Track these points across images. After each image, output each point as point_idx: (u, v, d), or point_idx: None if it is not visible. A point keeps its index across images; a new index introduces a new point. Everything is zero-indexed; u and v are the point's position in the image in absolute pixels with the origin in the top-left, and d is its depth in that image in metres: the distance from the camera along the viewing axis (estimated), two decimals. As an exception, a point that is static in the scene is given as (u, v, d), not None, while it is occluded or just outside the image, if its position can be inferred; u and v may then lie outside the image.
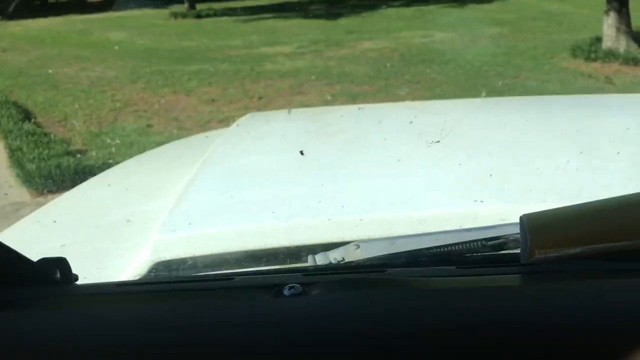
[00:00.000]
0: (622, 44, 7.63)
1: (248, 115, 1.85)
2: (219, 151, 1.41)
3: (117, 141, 5.45)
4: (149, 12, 17.80)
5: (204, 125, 5.82)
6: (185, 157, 1.64)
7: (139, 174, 1.73)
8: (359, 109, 1.80)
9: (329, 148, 1.37)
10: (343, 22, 13.38)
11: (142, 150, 5.13)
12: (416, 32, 11.39)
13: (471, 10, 14.58)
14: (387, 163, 1.23)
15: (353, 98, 6.59)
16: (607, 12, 7.74)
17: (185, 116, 6.27)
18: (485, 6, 15.13)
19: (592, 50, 7.80)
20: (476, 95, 6.43)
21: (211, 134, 2.13)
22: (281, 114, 2.02)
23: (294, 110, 1.94)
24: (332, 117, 1.72)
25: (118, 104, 6.81)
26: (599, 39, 8.05)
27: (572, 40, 8.66)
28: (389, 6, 15.94)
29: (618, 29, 7.64)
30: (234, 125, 1.73)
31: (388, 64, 8.43)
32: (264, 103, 6.60)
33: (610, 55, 7.53)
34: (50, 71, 8.77)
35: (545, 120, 1.47)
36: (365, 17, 14.11)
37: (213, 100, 6.87)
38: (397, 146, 1.32)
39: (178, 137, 5.46)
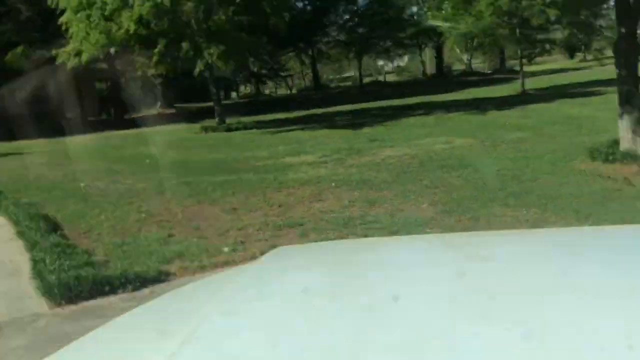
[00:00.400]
0: (638, 146, 7.67)
1: (274, 251, 1.46)
2: (205, 327, 1.00)
3: (138, 250, 5.58)
4: (180, 127, 18.67)
5: (223, 234, 5.93)
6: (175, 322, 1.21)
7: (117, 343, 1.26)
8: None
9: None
10: (366, 131, 13.81)
11: (161, 258, 5.24)
12: (436, 138, 11.65)
13: (491, 115, 14.93)
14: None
15: (371, 204, 6.67)
16: (620, 116, 7.86)
17: (206, 225, 6.41)
18: (506, 112, 15.49)
19: (610, 152, 7.84)
20: (493, 197, 6.46)
21: (225, 275, 1.66)
22: (315, 247, 1.58)
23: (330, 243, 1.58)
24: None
25: (143, 215, 7.02)
26: (617, 142, 8.11)
27: (591, 142, 8.74)
28: (410, 115, 16.45)
29: (634, 132, 7.71)
30: (254, 265, 1.36)
31: (407, 170, 8.58)
32: (282, 210, 6.72)
33: (628, 156, 7.56)
34: (82, 184, 9.15)
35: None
36: (388, 126, 14.55)
37: (234, 209, 7.03)
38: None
39: (197, 246, 5.57)
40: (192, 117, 20.83)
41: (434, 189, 7.25)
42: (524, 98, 18.91)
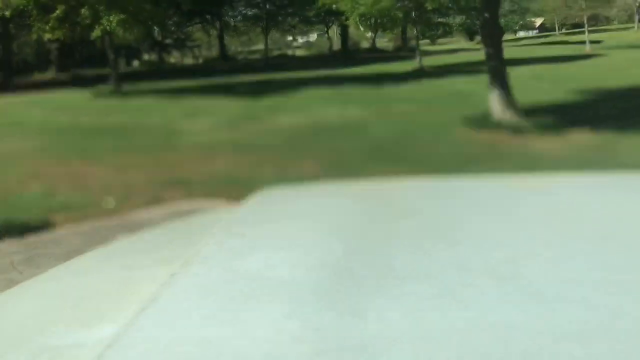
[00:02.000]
0: (508, 116, 8.38)
1: (270, 190, 1.37)
2: (210, 247, 0.96)
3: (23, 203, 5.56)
4: (74, 92, 18.02)
5: (107, 189, 5.97)
6: (167, 249, 1.18)
7: (95, 274, 1.18)
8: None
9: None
10: (265, 100, 13.98)
11: (46, 210, 5.25)
12: (332, 108, 12.04)
13: (387, 89, 15.53)
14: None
15: (258, 165, 6.91)
16: (491, 90, 8.55)
17: (91, 182, 6.41)
18: (401, 86, 16.16)
19: (483, 121, 8.51)
20: (373, 158, 6.88)
21: (210, 214, 1.61)
22: (305, 188, 1.52)
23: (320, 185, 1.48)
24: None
25: (27, 174, 6.89)
26: (490, 113, 8.81)
27: (471, 114, 9.40)
28: (311, 87, 16.78)
29: (502, 104, 8.42)
30: (244, 202, 1.28)
31: (298, 136, 8.88)
32: (170, 170, 6.81)
33: (498, 125, 8.25)
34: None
35: None
36: (288, 96, 14.79)
37: (121, 167, 7.04)
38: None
39: (81, 198, 5.60)
40: (88, 83, 20.07)
41: (321, 152, 7.58)
42: (420, 74, 19.75)
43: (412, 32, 35.58)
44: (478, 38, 53.55)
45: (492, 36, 8.51)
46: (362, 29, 28.39)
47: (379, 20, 22.91)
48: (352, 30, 40.07)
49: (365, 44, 48.50)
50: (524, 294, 0.68)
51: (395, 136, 8.37)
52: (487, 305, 0.66)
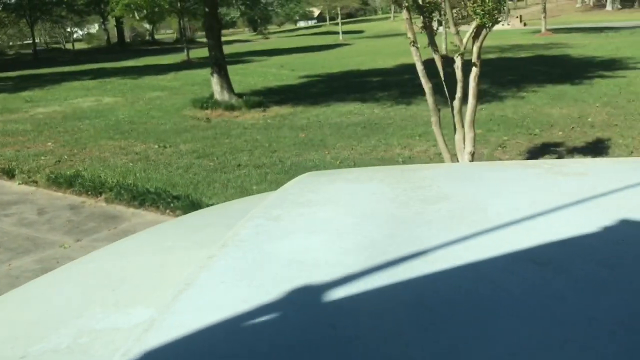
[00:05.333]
0: (226, 97, 10.53)
1: (306, 175, 1.39)
2: (248, 231, 0.95)
3: None
4: None
5: None
6: (204, 232, 1.24)
7: (135, 257, 1.20)
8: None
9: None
10: (25, 94, 14.66)
11: None
12: (89, 98, 13.29)
13: (148, 80, 17.00)
14: None
15: (3, 146, 8.14)
16: (212, 75, 10.62)
17: None
18: (162, 76, 17.74)
19: (207, 102, 10.55)
20: (105, 135, 8.50)
21: (251, 199, 1.60)
22: (340, 173, 1.50)
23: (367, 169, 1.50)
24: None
25: None
26: (213, 95, 10.88)
27: (201, 97, 11.39)
28: (75, 79, 17.63)
29: (221, 86, 10.54)
30: (281, 188, 1.28)
31: (50, 122, 10.12)
32: None
33: (217, 104, 10.36)
34: None
35: None
36: (48, 89, 15.57)
37: None
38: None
39: None
40: None
41: (64, 133, 8.99)
42: (185, 65, 21.45)
43: (197, 24, 36.70)
44: (260, 29, 56.70)
45: (212, 29, 10.51)
46: (137, 18, 28.77)
47: (147, 11, 23.59)
48: (128, 21, 40.03)
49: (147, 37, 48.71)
50: (563, 280, 0.67)
51: (133, 118, 10.06)
52: (526, 292, 0.66)
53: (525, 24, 38.03)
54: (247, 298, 0.70)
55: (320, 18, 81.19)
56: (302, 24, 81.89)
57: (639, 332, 0.57)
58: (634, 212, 0.89)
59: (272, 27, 68.39)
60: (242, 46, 33.93)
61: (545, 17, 28.34)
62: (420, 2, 4.80)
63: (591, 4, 61.59)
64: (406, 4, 4.65)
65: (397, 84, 12.84)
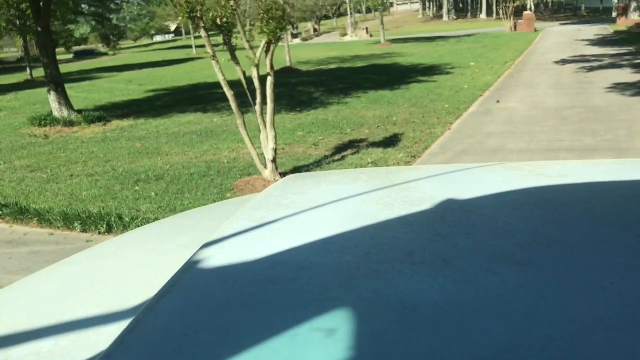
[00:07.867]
0: (65, 113, 10.73)
1: (291, 176, 1.41)
2: (232, 232, 0.94)
3: None
4: None
5: None
6: (190, 234, 1.24)
7: (119, 258, 1.22)
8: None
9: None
10: None
11: None
12: None
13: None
14: None
15: None
16: (49, 92, 10.78)
17: None
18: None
19: (45, 119, 10.66)
20: None
21: (233, 201, 1.63)
22: (325, 175, 1.45)
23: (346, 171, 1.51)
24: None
25: None
26: (51, 112, 11.00)
27: (39, 114, 11.41)
28: None
29: (59, 103, 10.71)
30: (266, 189, 1.28)
31: None
32: None
33: (55, 121, 10.53)
34: None
35: None
36: None
37: None
38: None
39: None
40: None
41: None
42: (28, 84, 20.82)
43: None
44: (112, 44, 55.35)
45: (46, 47, 10.64)
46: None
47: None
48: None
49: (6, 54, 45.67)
50: (544, 281, 0.68)
51: None
52: (508, 293, 0.66)
53: (371, 35, 40.65)
54: (231, 300, 0.69)
55: (177, 32, 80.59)
56: (159, 38, 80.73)
57: (620, 332, 0.57)
58: (613, 212, 0.91)
59: (127, 42, 66.98)
60: (92, 62, 33.18)
61: (383, 29, 30.63)
62: (219, 22, 5.62)
63: (431, 14, 66.97)
64: (202, 25, 5.44)
65: (239, 95, 13.63)
